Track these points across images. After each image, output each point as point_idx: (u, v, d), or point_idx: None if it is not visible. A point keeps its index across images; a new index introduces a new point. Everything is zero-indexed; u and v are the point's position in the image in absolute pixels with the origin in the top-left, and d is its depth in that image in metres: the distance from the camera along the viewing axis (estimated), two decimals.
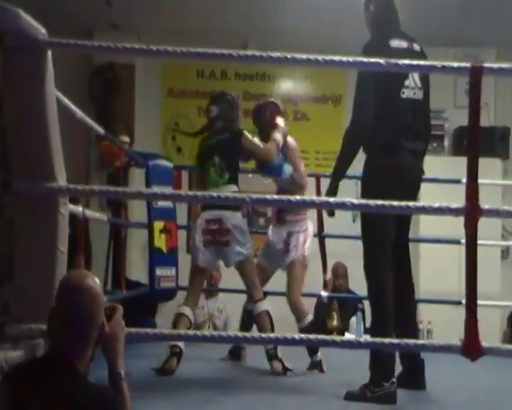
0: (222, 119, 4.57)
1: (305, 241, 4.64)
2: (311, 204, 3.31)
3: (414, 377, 3.69)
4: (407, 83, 3.71)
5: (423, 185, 6.73)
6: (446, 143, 7.24)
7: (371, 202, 2.86)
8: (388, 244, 3.66)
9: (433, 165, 6.80)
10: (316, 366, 4.35)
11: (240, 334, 2.75)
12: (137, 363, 4.06)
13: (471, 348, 2.62)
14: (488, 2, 6.59)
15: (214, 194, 3.23)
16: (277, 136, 4.50)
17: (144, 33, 6.95)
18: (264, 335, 2.66)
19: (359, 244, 7.06)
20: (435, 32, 6.88)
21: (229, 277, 6.63)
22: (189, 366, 4.34)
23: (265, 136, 4.64)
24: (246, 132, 4.54)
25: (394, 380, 3.38)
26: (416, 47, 3.87)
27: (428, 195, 6.36)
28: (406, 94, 3.69)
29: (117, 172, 5.58)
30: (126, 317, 2.07)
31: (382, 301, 3.53)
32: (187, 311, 4.32)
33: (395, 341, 2.88)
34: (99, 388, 1.84)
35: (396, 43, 3.74)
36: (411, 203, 2.80)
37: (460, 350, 2.66)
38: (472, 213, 2.68)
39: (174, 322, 4.29)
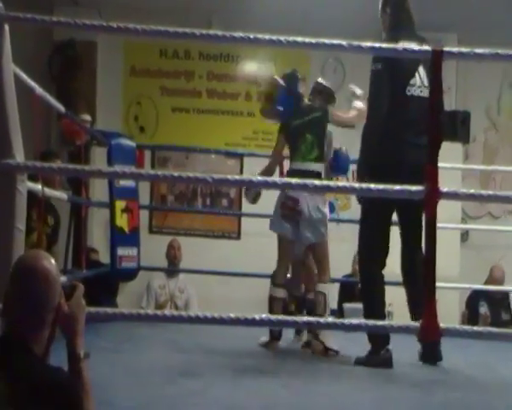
0: (306, 98, 4.78)
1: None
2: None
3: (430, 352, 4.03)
4: (413, 81, 3.96)
5: None
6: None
7: (332, 183, 2.87)
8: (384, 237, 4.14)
9: None
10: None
11: (201, 315, 2.73)
12: (97, 342, 4.03)
13: (429, 329, 2.65)
14: None
15: (182, 174, 3.18)
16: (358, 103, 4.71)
17: (106, 10, 6.84)
18: (233, 316, 2.64)
19: (331, 227, 7.03)
20: None
21: (189, 257, 6.64)
22: (148, 346, 4.33)
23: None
24: (330, 108, 4.73)
25: (389, 348, 3.90)
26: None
27: None
28: (411, 92, 3.94)
29: (78, 151, 5.50)
30: (87, 297, 2.04)
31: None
32: (281, 293, 4.53)
33: (356, 321, 2.90)
34: (53, 370, 1.82)
35: (404, 45, 3.83)
36: (372, 185, 2.81)
37: (418, 331, 2.69)
38: (431, 195, 2.70)
39: (270, 306, 4.51)
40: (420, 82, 3.94)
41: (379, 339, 3.91)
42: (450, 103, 7.23)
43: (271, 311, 4.47)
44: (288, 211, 4.45)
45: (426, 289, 2.72)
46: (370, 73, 4.00)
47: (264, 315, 2.70)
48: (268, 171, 4.70)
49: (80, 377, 1.89)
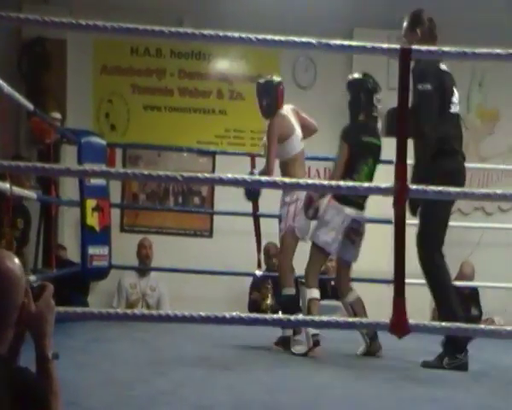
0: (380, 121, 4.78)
1: (296, 212, 4.56)
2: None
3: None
4: (453, 99, 4.22)
5: None
6: (380, 124, 7.31)
7: (302, 180, 2.88)
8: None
9: None
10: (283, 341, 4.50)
11: (171, 313, 2.73)
12: (67, 342, 4.01)
13: (398, 325, 2.67)
14: None
15: (152, 173, 3.15)
16: None
17: (77, 8, 6.79)
18: (195, 314, 2.64)
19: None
20: (370, 14, 6.95)
21: (161, 256, 6.62)
22: (118, 345, 4.31)
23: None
24: None
25: (467, 350, 3.92)
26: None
27: None
28: (453, 109, 4.20)
29: (47, 150, 5.46)
30: (57, 296, 2.03)
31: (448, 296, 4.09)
32: (317, 294, 4.45)
33: (319, 318, 2.91)
34: (19, 370, 1.80)
35: (443, 66, 4.24)
36: (342, 183, 2.83)
37: (388, 327, 2.71)
38: (400, 192, 2.72)
39: (308, 308, 4.41)
40: (456, 99, 4.23)
41: (459, 342, 3.91)
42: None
43: (310, 312, 4.36)
44: (354, 235, 4.47)
45: (395, 286, 2.74)
46: (417, 93, 4.13)
47: (234, 313, 2.70)
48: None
49: (48, 378, 1.87)
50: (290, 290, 4.55)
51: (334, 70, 7.45)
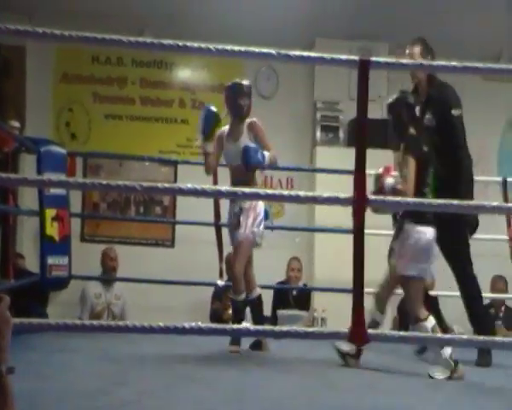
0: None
1: (255, 218, 4.65)
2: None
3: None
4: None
5: (319, 176, 6.96)
6: (341, 134, 7.38)
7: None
8: None
9: (329, 156, 7.01)
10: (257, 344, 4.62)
11: (130, 324, 2.71)
12: (26, 354, 3.95)
13: (357, 334, 2.69)
14: None
15: (111, 182, 3.14)
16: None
17: (37, 15, 6.73)
18: (154, 325, 2.63)
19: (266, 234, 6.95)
20: (332, 25, 7.00)
21: (123, 265, 6.57)
22: (80, 356, 4.26)
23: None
24: None
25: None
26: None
27: (324, 185, 6.53)
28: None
29: (6, 159, 5.38)
30: (15, 307, 1.99)
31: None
32: (433, 320, 4.11)
33: (278, 329, 2.91)
34: None
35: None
36: (301, 193, 2.83)
37: (347, 337, 2.72)
38: (359, 202, 2.74)
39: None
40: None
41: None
42: (381, 111, 7.37)
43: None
44: None
45: (354, 296, 2.75)
46: (453, 118, 4.54)
47: (194, 324, 2.68)
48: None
49: (2, 394, 1.84)
50: (241, 297, 4.68)
51: (296, 80, 7.50)
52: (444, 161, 4.57)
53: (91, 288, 6.38)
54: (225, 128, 4.87)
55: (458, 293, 6.08)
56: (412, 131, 4.19)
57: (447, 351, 3.93)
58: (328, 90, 7.31)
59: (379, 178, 4.17)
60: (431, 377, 3.97)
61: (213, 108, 4.73)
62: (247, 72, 7.40)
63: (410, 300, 4.13)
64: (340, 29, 7.04)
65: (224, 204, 5.09)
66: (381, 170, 4.21)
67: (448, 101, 4.73)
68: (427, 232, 4.04)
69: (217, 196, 3.67)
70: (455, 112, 4.49)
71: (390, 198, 2.87)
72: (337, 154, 6.83)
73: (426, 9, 6.82)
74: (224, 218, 5.63)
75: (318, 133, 7.34)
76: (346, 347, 4.22)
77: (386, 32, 7.12)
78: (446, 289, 6.44)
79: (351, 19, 6.96)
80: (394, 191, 4.01)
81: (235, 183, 4.65)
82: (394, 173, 4.25)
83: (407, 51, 4.88)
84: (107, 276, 6.40)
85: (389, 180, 4.12)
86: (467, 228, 4.62)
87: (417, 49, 4.76)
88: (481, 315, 4.74)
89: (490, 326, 4.65)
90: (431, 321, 4.00)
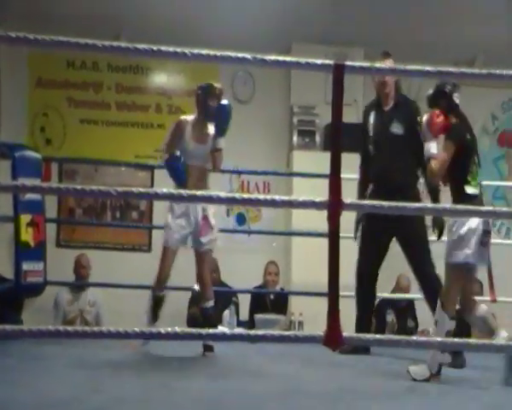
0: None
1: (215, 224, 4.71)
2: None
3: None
4: None
5: (296, 180, 6.97)
6: (317, 138, 7.41)
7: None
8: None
9: (305, 160, 7.03)
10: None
11: (105, 330, 2.69)
12: (1, 361, 3.91)
13: (332, 338, 2.69)
14: (358, 2, 6.80)
15: (85, 188, 3.10)
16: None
17: (9, 19, 6.68)
18: (129, 330, 2.61)
19: (234, 237, 7.11)
20: (308, 30, 7.03)
21: (99, 271, 6.54)
22: (54, 363, 4.23)
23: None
24: None
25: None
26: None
27: (301, 189, 6.55)
28: None
29: None
30: None
31: None
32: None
33: (260, 333, 2.92)
34: None
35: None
36: (277, 197, 2.84)
37: (322, 340, 2.72)
38: (334, 206, 2.74)
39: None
40: None
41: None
42: (357, 116, 7.41)
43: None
44: (487, 237, 4.08)
45: (329, 299, 2.76)
46: (420, 126, 4.45)
47: (169, 329, 2.67)
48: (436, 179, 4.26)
49: None
50: (212, 303, 4.71)
51: (272, 84, 7.52)
52: (412, 168, 4.83)
53: (64, 294, 6.33)
54: (188, 120, 4.75)
55: None
56: (453, 119, 4.12)
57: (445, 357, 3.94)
58: (305, 94, 7.33)
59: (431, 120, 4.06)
60: (408, 373, 4.00)
61: (229, 103, 4.73)
62: (223, 76, 7.41)
63: (445, 286, 4.11)
64: (317, 34, 7.07)
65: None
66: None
67: (415, 109, 4.92)
68: (469, 221, 3.95)
69: (192, 200, 3.66)
70: (421, 119, 4.52)
71: (366, 202, 2.87)
72: (314, 158, 6.86)
73: (400, 15, 6.88)
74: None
75: (295, 137, 7.37)
76: (421, 374, 4.01)
77: (362, 37, 7.17)
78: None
79: (327, 24, 7.00)
80: (428, 160, 4.03)
81: (194, 184, 4.52)
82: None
83: (387, 63, 4.93)
84: (80, 282, 6.36)
85: (433, 145, 4.04)
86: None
87: (389, 63, 4.86)
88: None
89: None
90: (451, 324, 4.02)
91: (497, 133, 8.03)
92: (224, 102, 4.69)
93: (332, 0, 6.71)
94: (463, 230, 3.95)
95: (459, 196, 3.98)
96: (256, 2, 6.91)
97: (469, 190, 4.03)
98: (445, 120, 4.05)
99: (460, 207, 2.79)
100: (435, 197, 4.80)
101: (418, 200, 4.86)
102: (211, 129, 4.71)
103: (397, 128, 4.91)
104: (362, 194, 5.02)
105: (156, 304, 4.79)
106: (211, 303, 4.70)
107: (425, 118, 4.12)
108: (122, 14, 6.85)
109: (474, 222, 3.95)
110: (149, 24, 6.76)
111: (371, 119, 5.03)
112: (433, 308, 4.42)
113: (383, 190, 4.82)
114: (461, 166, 4.03)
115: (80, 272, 6.39)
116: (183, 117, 4.81)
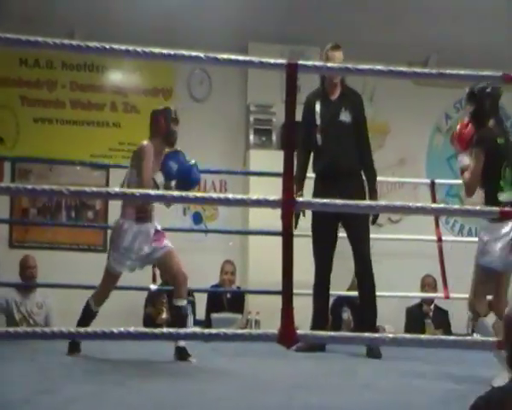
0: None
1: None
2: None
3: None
4: None
5: (252, 179, 6.99)
6: (274, 137, 7.43)
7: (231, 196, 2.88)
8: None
9: (262, 158, 7.04)
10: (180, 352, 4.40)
11: (57, 330, 2.66)
12: None
13: (286, 335, 2.71)
14: (314, 2, 6.84)
15: (36, 187, 3.05)
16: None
17: None
18: (81, 330, 2.60)
19: (191, 237, 7.06)
20: (264, 29, 7.05)
21: (53, 271, 6.46)
22: (4, 365, 4.16)
23: None
24: None
25: None
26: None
27: (258, 188, 6.56)
28: None
29: None
30: None
31: None
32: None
33: (215, 331, 2.91)
34: None
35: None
36: (231, 195, 2.85)
37: (276, 338, 2.74)
38: (287, 205, 2.76)
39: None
40: None
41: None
42: None
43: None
44: None
45: (283, 297, 2.77)
46: (365, 118, 5.07)
47: (122, 329, 2.66)
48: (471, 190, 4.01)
49: None
50: (185, 302, 4.55)
51: (229, 83, 7.52)
52: (357, 156, 5.03)
53: (12, 296, 6.20)
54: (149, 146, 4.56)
55: (390, 293, 6.23)
56: (491, 123, 4.00)
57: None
58: (262, 93, 7.34)
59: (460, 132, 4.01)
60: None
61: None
62: (179, 75, 7.41)
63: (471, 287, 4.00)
64: (273, 33, 7.10)
65: (156, 208, 5.03)
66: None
67: (360, 100, 5.18)
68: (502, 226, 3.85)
69: (146, 199, 3.64)
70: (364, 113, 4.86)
71: (317, 200, 2.89)
72: (270, 157, 6.86)
73: (357, 14, 6.94)
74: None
75: (251, 136, 7.37)
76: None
77: (319, 36, 7.19)
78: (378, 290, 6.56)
79: (283, 23, 7.03)
80: (461, 172, 3.96)
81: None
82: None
83: (330, 54, 5.11)
84: (28, 282, 6.24)
85: (465, 159, 3.95)
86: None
87: (339, 54, 5.07)
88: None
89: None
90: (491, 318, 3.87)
91: (450, 132, 8.14)
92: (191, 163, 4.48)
93: (289, 0, 6.74)
94: (492, 235, 3.87)
95: (492, 204, 3.81)
96: (213, 1, 6.90)
97: (502, 196, 3.90)
98: (472, 128, 3.99)
99: (410, 204, 2.83)
100: (373, 190, 5.03)
101: (363, 187, 5.06)
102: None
103: (345, 116, 5.03)
104: (300, 184, 5.05)
105: (90, 318, 4.59)
106: (184, 302, 4.55)
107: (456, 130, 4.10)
108: (76, 12, 6.77)
109: (507, 228, 3.82)
110: (105, 22, 6.71)
111: (317, 108, 5.08)
112: (362, 295, 4.98)
113: (332, 177, 4.96)
114: (492, 173, 3.91)
115: (26, 273, 6.26)
116: (147, 142, 4.59)
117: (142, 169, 4.41)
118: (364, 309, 5.10)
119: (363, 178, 5.09)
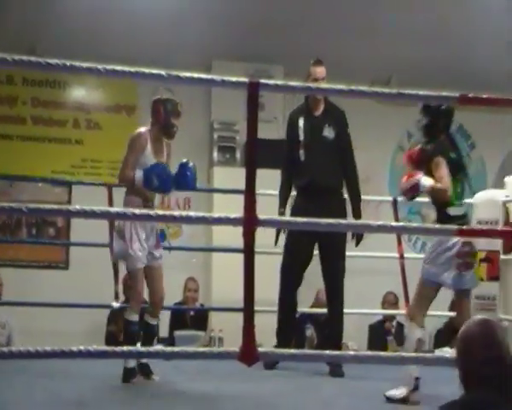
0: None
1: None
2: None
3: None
4: None
5: (216, 196, 6.99)
6: (238, 154, 7.45)
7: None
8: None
9: (226, 176, 7.04)
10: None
11: (15, 350, 2.62)
12: None
13: (247, 353, 2.70)
14: (278, 21, 6.89)
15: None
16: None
17: None
18: (40, 349, 2.55)
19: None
20: (228, 47, 7.09)
21: (14, 290, 6.36)
22: None
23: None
24: None
25: None
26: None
27: (221, 205, 6.56)
28: None
29: None
30: None
31: None
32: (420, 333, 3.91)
33: (177, 349, 2.90)
34: None
35: None
36: (192, 213, 2.84)
37: (237, 356, 2.73)
38: (249, 223, 2.77)
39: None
40: None
41: None
42: (277, 132, 7.49)
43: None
44: (467, 258, 3.91)
45: (244, 314, 2.77)
46: (348, 135, 5.06)
47: (82, 347, 2.63)
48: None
49: None
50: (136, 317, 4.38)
51: (193, 101, 7.49)
52: (340, 172, 5.00)
53: None
54: (147, 133, 4.52)
55: (353, 310, 6.26)
56: (443, 138, 4.06)
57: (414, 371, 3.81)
58: (225, 110, 7.36)
59: (408, 180, 3.99)
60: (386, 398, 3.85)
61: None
62: (143, 92, 7.35)
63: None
64: (237, 51, 7.13)
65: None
66: (404, 178, 4.05)
67: (344, 116, 5.08)
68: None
69: (107, 217, 3.62)
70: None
71: (279, 218, 2.90)
72: (234, 174, 6.86)
73: (319, 33, 7.01)
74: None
75: (215, 154, 7.38)
76: (399, 394, 3.87)
77: (282, 54, 7.27)
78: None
79: (248, 41, 7.07)
80: (433, 189, 3.91)
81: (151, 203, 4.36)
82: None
83: (311, 70, 4.99)
84: None
85: (427, 180, 3.93)
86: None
87: (321, 69, 4.97)
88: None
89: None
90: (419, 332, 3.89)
91: None
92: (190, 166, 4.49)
93: (252, 18, 6.78)
94: (438, 248, 3.92)
95: (441, 217, 3.91)
96: (177, 19, 6.91)
97: (452, 211, 3.94)
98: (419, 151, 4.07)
99: (371, 223, 2.85)
100: (356, 209, 5.00)
101: (344, 205, 5.04)
102: (165, 144, 4.58)
103: (328, 132, 4.99)
104: (284, 200, 5.07)
105: (134, 333, 4.30)
106: (156, 321, 4.47)
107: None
108: (38, 28, 6.73)
109: (449, 242, 3.87)
110: (67, 38, 6.67)
111: (301, 123, 5.06)
112: (331, 312, 5.02)
113: (312, 193, 4.91)
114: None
115: None
116: (141, 130, 4.53)
117: (123, 162, 4.39)
118: (331, 326, 5.07)
119: (346, 196, 5.06)
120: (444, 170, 3.91)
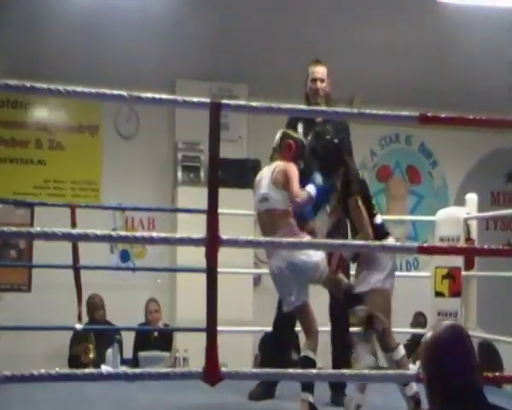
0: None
1: None
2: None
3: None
4: None
5: (180, 216, 6.97)
6: (202, 174, 7.44)
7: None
8: None
9: (190, 196, 7.03)
10: None
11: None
12: None
13: (210, 373, 2.70)
14: (243, 41, 6.93)
15: None
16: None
17: None
18: (17, 373, 2.52)
19: (117, 274, 6.95)
20: (192, 66, 7.10)
21: None
22: None
23: None
24: None
25: None
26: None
27: (186, 225, 6.53)
28: None
29: None
30: None
31: None
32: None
33: (141, 371, 2.88)
34: None
35: None
36: (154, 234, 2.84)
37: (201, 376, 2.73)
38: (212, 243, 2.77)
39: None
40: None
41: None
42: (241, 151, 7.51)
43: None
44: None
45: (207, 335, 2.77)
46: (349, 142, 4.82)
47: (43, 371, 2.60)
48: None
49: None
50: None
51: (157, 120, 7.51)
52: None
53: None
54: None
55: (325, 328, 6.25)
56: (342, 169, 4.06)
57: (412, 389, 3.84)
58: (189, 130, 7.34)
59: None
60: None
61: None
62: (106, 112, 7.37)
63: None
64: (201, 70, 7.14)
65: (83, 246, 4.96)
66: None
67: (347, 125, 4.85)
68: None
69: (69, 239, 3.59)
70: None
71: (242, 238, 2.91)
72: (198, 194, 6.77)
73: (282, 52, 7.06)
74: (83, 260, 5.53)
75: (180, 173, 7.35)
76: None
77: (247, 73, 7.30)
78: None
79: (212, 60, 7.09)
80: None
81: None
82: None
83: (311, 70, 4.92)
84: None
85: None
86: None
87: (322, 69, 4.94)
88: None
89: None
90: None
91: (375, 168, 8.33)
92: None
93: (216, 37, 6.80)
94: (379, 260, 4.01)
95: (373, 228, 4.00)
96: (140, 39, 6.90)
97: (378, 220, 4.12)
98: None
99: (333, 241, 2.87)
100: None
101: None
102: None
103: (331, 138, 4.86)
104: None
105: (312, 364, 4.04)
106: None
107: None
108: (3, 49, 6.67)
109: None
110: (31, 58, 6.63)
111: (300, 129, 4.88)
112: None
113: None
114: (368, 204, 4.09)
115: None
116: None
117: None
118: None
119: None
120: (361, 212, 3.97)
